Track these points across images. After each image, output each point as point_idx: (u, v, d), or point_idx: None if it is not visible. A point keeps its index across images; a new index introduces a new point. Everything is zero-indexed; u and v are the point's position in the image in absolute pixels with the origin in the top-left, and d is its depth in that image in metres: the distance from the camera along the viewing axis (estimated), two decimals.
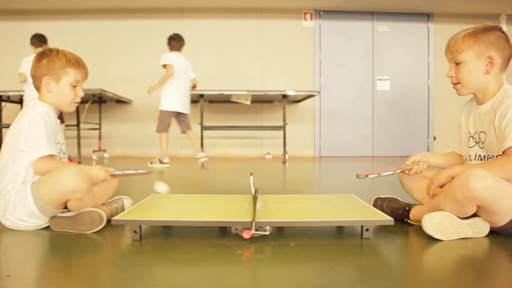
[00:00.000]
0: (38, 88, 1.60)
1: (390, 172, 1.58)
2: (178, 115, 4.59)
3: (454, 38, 1.45)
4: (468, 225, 1.33)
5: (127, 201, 1.74)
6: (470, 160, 1.51)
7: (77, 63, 1.60)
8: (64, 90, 1.58)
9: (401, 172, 1.61)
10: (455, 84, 1.48)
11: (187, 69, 4.63)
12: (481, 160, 1.46)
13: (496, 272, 1.09)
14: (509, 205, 1.28)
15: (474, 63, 1.41)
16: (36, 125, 1.50)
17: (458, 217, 1.33)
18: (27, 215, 1.44)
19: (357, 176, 1.60)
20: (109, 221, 1.47)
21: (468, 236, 1.34)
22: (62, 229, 1.47)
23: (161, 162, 4.51)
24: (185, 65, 4.59)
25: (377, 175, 1.55)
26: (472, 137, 1.50)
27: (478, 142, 1.47)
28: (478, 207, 1.30)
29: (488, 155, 1.43)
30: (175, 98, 4.50)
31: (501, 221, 1.31)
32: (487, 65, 1.40)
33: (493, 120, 1.38)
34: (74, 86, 1.61)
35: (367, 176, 1.57)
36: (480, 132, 1.46)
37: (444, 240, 1.31)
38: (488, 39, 1.39)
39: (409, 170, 1.59)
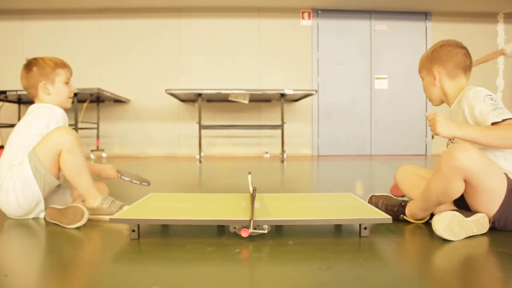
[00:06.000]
0: (34, 96, 1.78)
1: None
2: None
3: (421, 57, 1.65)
4: (472, 222, 1.35)
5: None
6: None
7: (62, 64, 1.82)
8: (60, 88, 1.80)
9: None
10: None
11: None
12: None
13: (494, 269, 1.10)
14: (494, 182, 1.33)
15: (427, 78, 1.63)
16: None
17: (462, 216, 1.34)
18: (22, 192, 1.58)
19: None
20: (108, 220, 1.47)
21: (473, 234, 1.35)
22: (52, 220, 1.58)
23: None
24: None
25: None
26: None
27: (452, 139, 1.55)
28: (466, 183, 1.33)
29: None
30: None
31: (492, 207, 1.36)
32: (434, 78, 1.59)
33: (463, 113, 1.46)
34: (67, 83, 1.82)
35: None
36: None
37: (454, 240, 1.31)
38: (432, 57, 1.58)
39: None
